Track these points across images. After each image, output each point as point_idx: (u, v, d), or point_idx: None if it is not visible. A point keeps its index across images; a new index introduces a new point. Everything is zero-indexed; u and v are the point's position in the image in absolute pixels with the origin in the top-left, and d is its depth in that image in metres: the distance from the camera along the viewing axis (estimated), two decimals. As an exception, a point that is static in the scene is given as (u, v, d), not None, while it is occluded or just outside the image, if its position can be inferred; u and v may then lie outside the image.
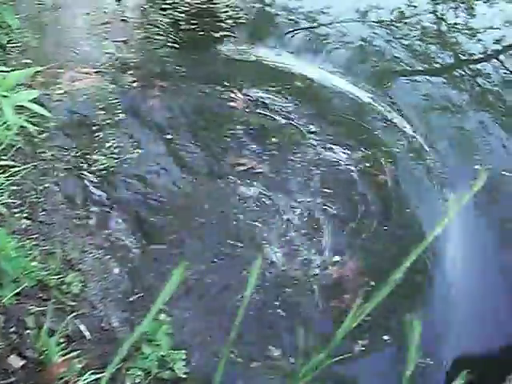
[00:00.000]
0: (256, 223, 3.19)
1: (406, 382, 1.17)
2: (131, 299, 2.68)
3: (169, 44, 4.44)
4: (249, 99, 4.00)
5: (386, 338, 2.83)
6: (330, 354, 1.72)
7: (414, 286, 3.11)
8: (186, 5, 4.86)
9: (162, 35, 4.50)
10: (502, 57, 5.21)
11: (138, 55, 4.23)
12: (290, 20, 5.07)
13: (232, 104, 3.93)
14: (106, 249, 2.84)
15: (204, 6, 4.92)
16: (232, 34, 4.66)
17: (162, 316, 2.33)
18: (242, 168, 3.48)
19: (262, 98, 4.03)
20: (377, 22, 5.31)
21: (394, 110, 4.26)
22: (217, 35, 4.62)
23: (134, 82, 3.95)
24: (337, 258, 3.12)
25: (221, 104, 3.93)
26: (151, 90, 3.91)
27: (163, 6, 4.78)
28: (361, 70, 4.68)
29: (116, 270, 2.76)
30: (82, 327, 2.47)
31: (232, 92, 4.02)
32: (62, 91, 3.71)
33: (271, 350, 2.65)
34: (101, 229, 2.94)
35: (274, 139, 3.73)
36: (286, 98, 4.08)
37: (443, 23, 5.55)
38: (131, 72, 4.05)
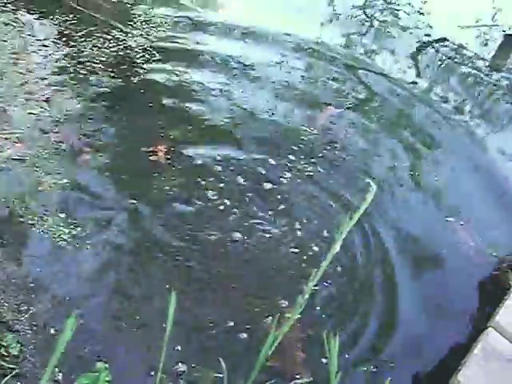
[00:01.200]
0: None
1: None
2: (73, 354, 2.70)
3: (89, 96, 4.49)
4: (171, 150, 4.10)
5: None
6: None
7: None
8: (103, 55, 4.93)
9: (81, 88, 4.55)
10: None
11: (62, 113, 4.27)
12: (216, 61, 5.23)
13: (153, 158, 4.03)
14: (41, 307, 2.85)
15: (121, 53, 5.00)
16: (150, 78, 4.76)
17: (99, 364, 2.37)
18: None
19: (184, 147, 4.16)
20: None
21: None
22: (134, 80, 4.71)
23: (61, 142, 4.00)
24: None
25: (143, 159, 4.01)
26: (79, 153, 3.97)
27: (80, 60, 4.84)
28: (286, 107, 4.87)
29: (55, 328, 2.78)
30: (25, 388, 2.48)
31: (154, 145, 4.11)
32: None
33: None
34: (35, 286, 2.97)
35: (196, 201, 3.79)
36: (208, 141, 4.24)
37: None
38: (57, 132, 4.08)
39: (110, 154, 4.00)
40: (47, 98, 4.41)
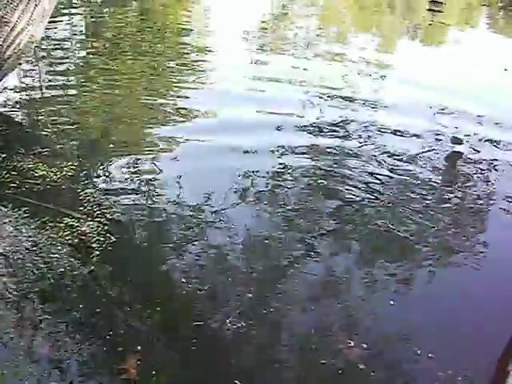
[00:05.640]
0: None
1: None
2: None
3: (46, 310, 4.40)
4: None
5: None
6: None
7: None
8: (58, 244, 4.99)
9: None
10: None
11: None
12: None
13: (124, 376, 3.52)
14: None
15: (76, 240, 5.09)
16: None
17: None
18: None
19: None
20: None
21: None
22: (88, 270, 4.80)
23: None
24: None
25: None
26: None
27: (36, 252, 4.89)
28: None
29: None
30: None
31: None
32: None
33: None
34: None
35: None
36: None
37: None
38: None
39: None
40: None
